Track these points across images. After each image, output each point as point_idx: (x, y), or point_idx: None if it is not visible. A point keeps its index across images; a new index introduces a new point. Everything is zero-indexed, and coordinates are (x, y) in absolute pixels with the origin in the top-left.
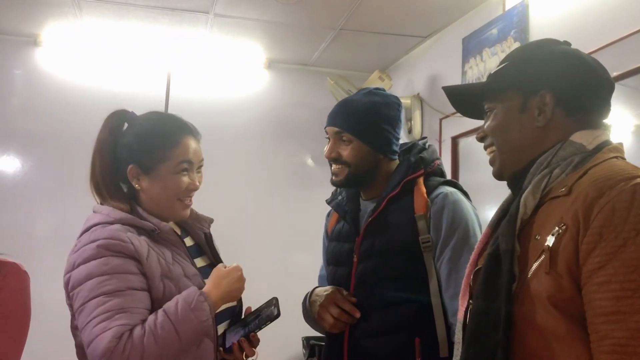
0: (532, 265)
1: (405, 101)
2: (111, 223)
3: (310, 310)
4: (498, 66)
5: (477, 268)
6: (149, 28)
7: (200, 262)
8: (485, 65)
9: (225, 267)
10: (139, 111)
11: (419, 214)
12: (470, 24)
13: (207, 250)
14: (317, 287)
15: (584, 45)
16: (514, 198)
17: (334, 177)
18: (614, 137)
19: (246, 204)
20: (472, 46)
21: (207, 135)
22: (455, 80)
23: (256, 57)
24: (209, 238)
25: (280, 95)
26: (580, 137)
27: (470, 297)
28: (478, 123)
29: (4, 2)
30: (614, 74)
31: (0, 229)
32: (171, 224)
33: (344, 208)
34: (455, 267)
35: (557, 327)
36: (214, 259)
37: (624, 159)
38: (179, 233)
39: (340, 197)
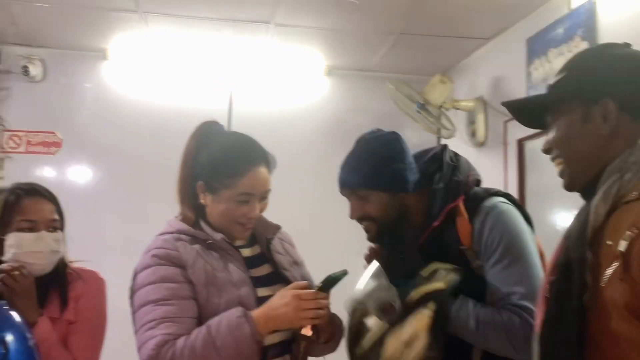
0: (605, 273)
1: (468, 104)
2: (171, 233)
3: None
4: (556, 76)
5: (552, 279)
6: (212, 39)
7: (261, 270)
8: (551, 66)
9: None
10: (202, 120)
11: (465, 246)
12: (534, 24)
13: (270, 259)
14: None
15: None
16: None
17: (368, 236)
18: None
19: (312, 212)
20: (537, 47)
21: (269, 145)
22: (520, 82)
23: (316, 65)
24: (269, 245)
25: (341, 102)
26: None
27: (546, 308)
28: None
29: (73, 19)
30: None
31: (73, 238)
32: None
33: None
34: (500, 282)
35: (634, 334)
36: (275, 268)
37: None
38: (245, 242)
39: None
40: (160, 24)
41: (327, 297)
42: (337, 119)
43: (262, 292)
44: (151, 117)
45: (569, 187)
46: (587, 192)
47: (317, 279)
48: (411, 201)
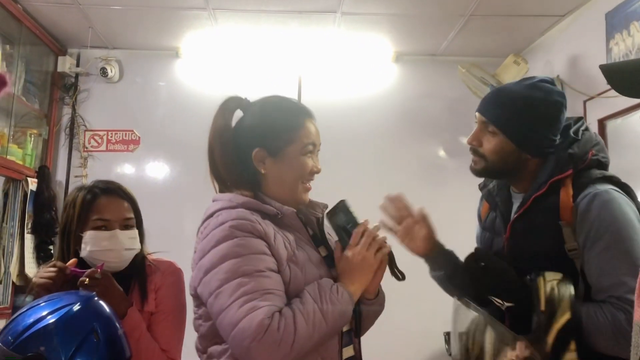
0: None
1: None
2: (234, 207)
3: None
4: None
5: None
6: (280, 32)
7: (323, 250)
8: (633, 40)
9: (351, 254)
10: None
11: (564, 221)
12: None
13: (324, 240)
14: None
15: None
16: None
17: (472, 164)
18: None
19: (380, 200)
20: (617, 21)
21: (339, 133)
22: (599, 59)
23: (384, 52)
24: (320, 223)
25: (410, 88)
26: None
27: None
28: (629, 103)
29: (146, 20)
30: None
31: (154, 230)
32: None
33: (495, 198)
34: (605, 271)
35: None
36: (329, 250)
37: None
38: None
39: (491, 185)
40: (229, 19)
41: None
42: (407, 106)
43: (334, 272)
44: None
45: None
46: None
47: None
48: (529, 163)
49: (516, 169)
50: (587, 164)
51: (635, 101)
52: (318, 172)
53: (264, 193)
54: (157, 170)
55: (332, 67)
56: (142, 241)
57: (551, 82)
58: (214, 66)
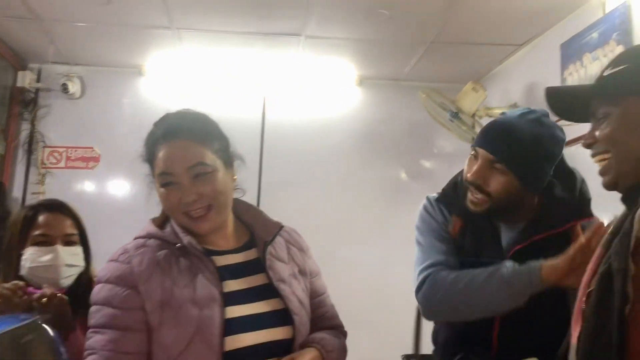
0: None
1: (501, 112)
2: (142, 237)
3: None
4: (613, 68)
5: (589, 290)
6: (245, 53)
7: (254, 280)
8: (586, 71)
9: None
10: (236, 134)
11: None
12: (568, 29)
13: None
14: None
15: None
16: (628, 214)
17: (472, 206)
18: None
19: (342, 221)
20: (571, 52)
21: (303, 154)
22: None
23: (348, 75)
24: (265, 250)
25: (373, 112)
26: None
27: (584, 320)
28: (582, 130)
29: (110, 37)
30: None
31: (110, 249)
32: (229, 238)
33: (479, 224)
34: None
35: None
36: (269, 278)
37: None
38: (238, 245)
39: (469, 212)
40: (194, 39)
41: None
42: (369, 129)
43: (245, 309)
44: None
45: (612, 185)
46: (630, 197)
47: (344, 285)
48: (527, 198)
49: (514, 206)
50: None
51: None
52: (189, 201)
53: None
54: (117, 188)
55: (297, 89)
56: (88, 260)
57: (548, 115)
58: (179, 85)
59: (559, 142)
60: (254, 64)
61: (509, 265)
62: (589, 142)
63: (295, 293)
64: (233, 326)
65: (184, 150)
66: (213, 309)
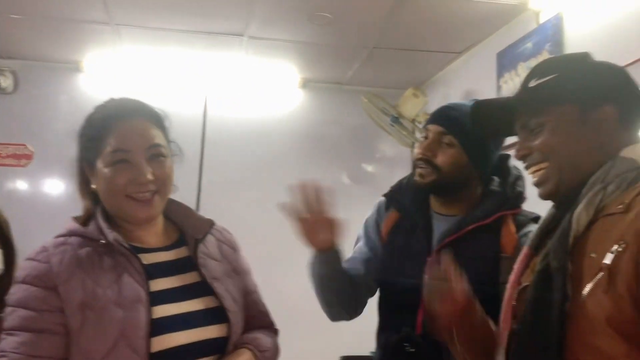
0: (587, 285)
1: None
2: (63, 235)
3: None
4: (539, 78)
5: (520, 287)
6: (186, 52)
7: (185, 278)
8: (520, 80)
9: None
10: (177, 133)
11: (506, 255)
12: (504, 39)
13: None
14: None
15: (620, 57)
16: (560, 215)
17: (419, 178)
18: None
19: (283, 222)
20: (507, 61)
21: (244, 155)
22: (491, 95)
23: (291, 77)
24: (196, 248)
25: (315, 115)
26: (631, 153)
27: (513, 318)
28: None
29: (46, 31)
30: None
31: None
32: (159, 235)
33: (413, 217)
34: None
35: (614, 349)
36: (202, 276)
37: None
38: (167, 243)
39: (407, 201)
40: (133, 36)
41: None
42: (311, 132)
43: (174, 308)
44: None
45: (552, 194)
46: (563, 200)
47: (281, 289)
48: (473, 183)
49: (461, 186)
50: (523, 201)
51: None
52: (145, 181)
53: (103, 212)
54: (52, 186)
55: (239, 89)
56: (10, 263)
57: None
58: (118, 82)
59: None
60: (196, 63)
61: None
62: (524, 153)
63: (229, 291)
64: (160, 326)
65: (143, 130)
66: (138, 310)
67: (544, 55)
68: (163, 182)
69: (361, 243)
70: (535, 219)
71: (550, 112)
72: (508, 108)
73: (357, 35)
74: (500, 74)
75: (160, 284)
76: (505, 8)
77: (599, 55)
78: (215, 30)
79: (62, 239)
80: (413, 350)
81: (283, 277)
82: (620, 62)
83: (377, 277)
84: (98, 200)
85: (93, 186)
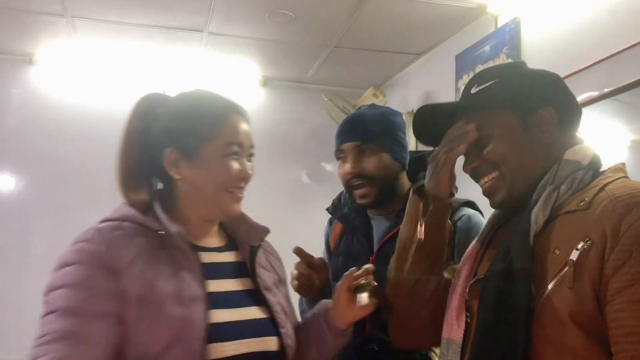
0: (551, 281)
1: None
2: (113, 220)
3: None
4: (480, 85)
5: (473, 280)
6: (144, 46)
7: (239, 284)
8: None
9: None
10: None
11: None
12: (463, 41)
13: (251, 272)
14: None
15: (576, 61)
16: (510, 214)
17: (361, 200)
18: (612, 153)
19: None
20: (465, 63)
21: None
22: (449, 97)
23: (251, 75)
24: (254, 254)
25: (276, 112)
26: (573, 155)
27: (467, 312)
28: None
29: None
30: (607, 89)
31: None
32: (214, 235)
33: (352, 222)
34: None
35: (576, 344)
36: (257, 285)
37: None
38: (221, 244)
39: (346, 209)
40: (89, 29)
41: None
42: (271, 129)
43: (226, 315)
44: (79, 124)
45: (503, 204)
46: (517, 207)
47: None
48: (401, 178)
49: (395, 185)
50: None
51: None
52: (248, 177)
53: (180, 205)
54: (2, 182)
55: (199, 84)
56: None
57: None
58: (73, 76)
59: (398, 114)
60: (154, 57)
61: None
62: (474, 165)
63: (280, 303)
64: (217, 332)
65: (248, 128)
66: (196, 310)
67: (502, 59)
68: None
69: None
70: (466, 203)
71: (493, 121)
72: (450, 114)
73: (318, 34)
74: (458, 76)
75: (215, 286)
76: (465, 11)
77: (554, 60)
78: (175, 26)
79: (115, 223)
80: (377, 348)
81: None
82: (575, 67)
83: (328, 287)
84: (153, 192)
85: (176, 175)
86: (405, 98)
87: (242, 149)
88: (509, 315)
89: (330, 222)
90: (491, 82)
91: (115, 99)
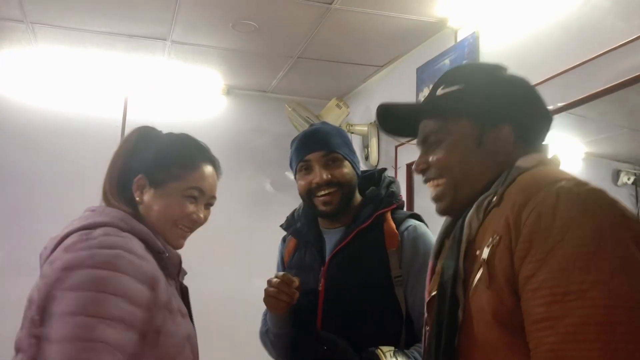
0: (471, 282)
1: (362, 128)
2: (123, 230)
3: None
4: (446, 87)
5: (429, 298)
6: (106, 54)
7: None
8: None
9: None
10: (95, 135)
11: (392, 249)
12: (424, 54)
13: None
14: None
15: (532, 75)
16: (454, 222)
17: (324, 207)
18: (567, 166)
19: (204, 231)
20: (425, 76)
21: None
22: None
23: (214, 84)
24: (184, 290)
25: (239, 122)
26: (524, 162)
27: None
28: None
29: None
30: (560, 103)
31: None
32: None
33: (305, 236)
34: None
35: (500, 342)
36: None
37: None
38: None
39: (299, 224)
40: (50, 36)
41: None
42: (235, 138)
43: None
44: (39, 131)
45: (447, 211)
46: (459, 215)
47: (204, 296)
48: (355, 194)
49: (353, 193)
50: (400, 203)
51: None
52: (199, 221)
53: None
54: None
55: (161, 93)
56: None
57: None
58: (33, 83)
59: (344, 131)
60: (116, 65)
61: None
62: (423, 167)
63: None
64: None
65: (215, 181)
66: (189, 326)
67: None
68: None
69: None
70: (412, 215)
71: (449, 128)
72: (413, 113)
73: (281, 44)
74: (419, 88)
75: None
76: (426, 25)
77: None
78: (137, 34)
79: (127, 234)
80: (326, 348)
81: (205, 286)
82: (533, 80)
83: None
84: (132, 206)
85: (137, 198)
86: (368, 109)
87: (202, 195)
88: (442, 324)
89: (284, 239)
90: (456, 87)
91: (77, 106)
